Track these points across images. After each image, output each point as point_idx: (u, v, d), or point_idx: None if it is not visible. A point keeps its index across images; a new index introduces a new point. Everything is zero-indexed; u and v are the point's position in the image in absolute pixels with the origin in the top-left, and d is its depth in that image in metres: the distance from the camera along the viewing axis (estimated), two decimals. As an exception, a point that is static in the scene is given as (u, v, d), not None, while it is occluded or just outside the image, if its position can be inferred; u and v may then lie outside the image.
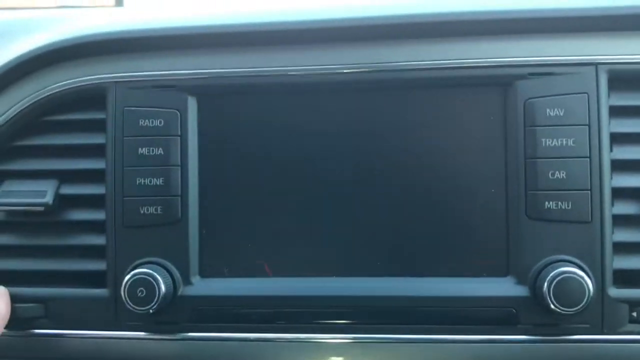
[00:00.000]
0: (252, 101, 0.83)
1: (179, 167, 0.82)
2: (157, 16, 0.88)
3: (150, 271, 0.79)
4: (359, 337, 0.81)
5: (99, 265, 0.84)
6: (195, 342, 0.83)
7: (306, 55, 0.82)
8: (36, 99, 0.85)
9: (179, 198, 0.82)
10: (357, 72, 0.81)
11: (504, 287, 0.78)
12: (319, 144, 0.82)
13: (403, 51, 0.80)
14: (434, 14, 0.79)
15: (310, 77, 0.82)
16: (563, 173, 0.77)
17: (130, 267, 0.81)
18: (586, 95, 0.77)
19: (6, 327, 0.83)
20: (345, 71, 0.81)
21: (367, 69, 0.81)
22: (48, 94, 0.85)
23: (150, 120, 0.82)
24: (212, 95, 0.83)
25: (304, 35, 0.82)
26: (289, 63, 0.82)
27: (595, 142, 0.77)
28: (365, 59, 0.81)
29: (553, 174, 0.77)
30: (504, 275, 0.79)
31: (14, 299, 0.83)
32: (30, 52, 0.84)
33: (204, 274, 0.83)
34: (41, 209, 0.83)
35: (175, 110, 0.82)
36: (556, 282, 0.74)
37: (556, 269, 0.75)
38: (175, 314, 0.82)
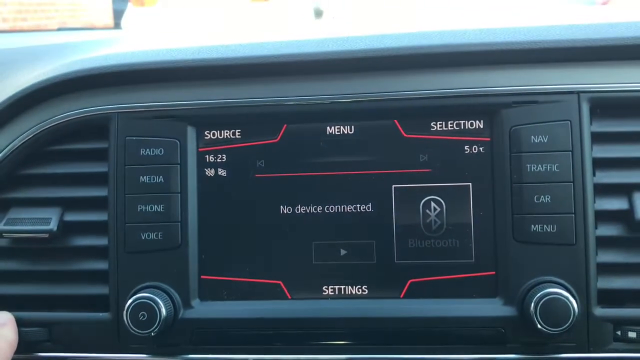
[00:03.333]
0: (251, 129, 0.87)
1: (179, 194, 0.85)
2: (157, 48, 0.91)
3: (151, 295, 0.81)
4: (354, 358, 0.84)
5: (101, 290, 0.86)
6: (196, 363, 0.86)
7: (303, 85, 0.86)
8: (41, 130, 0.88)
9: (179, 224, 0.85)
10: (350, 101, 0.85)
11: (493, 308, 0.81)
12: (317, 170, 0.85)
13: (391, 82, 0.84)
14: (421, 46, 0.82)
15: (305, 107, 0.85)
16: (548, 197, 0.80)
17: (132, 292, 0.83)
18: (569, 122, 0.81)
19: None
20: (339, 101, 0.85)
21: (360, 99, 0.85)
22: (52, 124, 0.88)
23: (151, 150, 0.85)
24: (211, 124, 0.87)
25: (300, 67, 0.86)
26: (287, 93, 0.86)
27: (578, 167, 0.80)
28: (358, 89, 0.85)
29: (538, 198, 0.80)
30: (493, 296, 0.82)
31: (19, 323, 0.86)
32: (34, 85, 0.87)
33: (203, 297, 0.86)
34: (46, 235, 0.86)
35: (175, 140, 0.86)
36: (543, 303, 0.76)
37: (542, 289, 0.77)
38: (176, 336, 0.84)
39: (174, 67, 0.86)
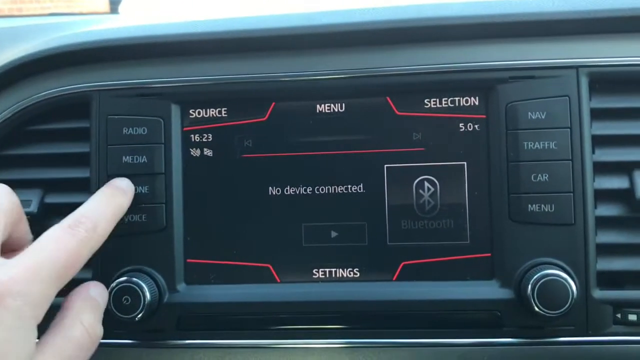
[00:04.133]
0: (238, 107, 0.83)
1: (163, 175, 0.82)
2: (140, 24, 0.88)
3: (135, 279, 0.79)
4: (346, 342, 0.81)
5: (84, 274, 0.83)
6: (182, 349, 0.83)
7: (292, 61, 0.83)
8: (19, 109, 0.85)
9: (164, 206, 0.82)
10: (340, 77, 0.82)
11: (488, 291, 0.79)
12: (306, 149, 0.82)
13: (385, 57, 0.81)
14: (414, 19, 0.79)
15: (294, 84, 0.82)
16: (545, 176, 0.77)
17: (116, 276, 0.81)
18: (567, 98, 0.78)
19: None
20: (328, 77, 0.82)
21: (351, 75, 0.82)
22: (31, 103, 0.85)
23: (134, 129, 0.82)
24: (196, 102, 0.84)
25: (289, 42, 0.82)
26: (275, 69, 0.82)
27: (577, 144, 0.77)
28: (348, 64, 0.82)
29: (536, 177, 0.77)
30: (489, 278, 0.79)
31: None
32: (11, 62, 0.84)
33: (189, 281, 0.83)
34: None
35: (159, 119, 0.83)
36: (540, 285, 0.74)
37: (540, 271, 0.75)
38: (161, 321, 0.82)
39: (156, 43, 0.83)
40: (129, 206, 0.80)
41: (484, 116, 0.80)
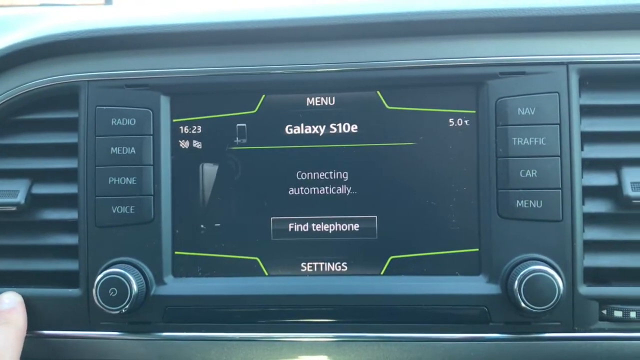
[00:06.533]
0: (227, 99, 0.83)
1: (152, 167, 0.82)
2: (130, 15, 0.88)
3: (122, 271, 0.78)
4: (333, 336, 0.81)
5: (71, 265, 0.83)
6: (169, 341, 0.83)
7: (283, 54, 0.82)
8: (8, 98, 0.84)
9: (152, 197, 0.82)
10: (331, 71, 0.81)
11: (475, 286, 0.79)
12: (296, 143, 0.82)
13: (375, 50, 0.81)
14: (406, 13, 0.79)
15: (285, 76, 0.82)
16: (534, 172, 0.77)
17: (102, 267, 0.80)
18: (557, 94, 0.78)
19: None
20: (319, 70, 0.81)
21: (341, 68, 0.81)
22: (20, 93, 0.84)
23: (123, 120, 0.82)
24: (185, 94, 0.83)
25: (278, 35, 0.82)
26: (266, 62, 0.82)
27: (566, 141, 0.77)
28: (339, 58, 0.81)
29: (524, 173, 0.77)
30: (476, 273, 0.80)
31: None
32: (1, 50, 0.83)
33: (177, 273, 0.83)
34: (13, 208, 0.83)
35: (148, 110, 0.82)
36: (527, 281, 0.74)
37: (527, 267, 0.75)
38: (148, 313, 0.81)
39: (147, 34, 0.82)
40: (25, 315, 0.81)
41: (473, 111, 0.80)
